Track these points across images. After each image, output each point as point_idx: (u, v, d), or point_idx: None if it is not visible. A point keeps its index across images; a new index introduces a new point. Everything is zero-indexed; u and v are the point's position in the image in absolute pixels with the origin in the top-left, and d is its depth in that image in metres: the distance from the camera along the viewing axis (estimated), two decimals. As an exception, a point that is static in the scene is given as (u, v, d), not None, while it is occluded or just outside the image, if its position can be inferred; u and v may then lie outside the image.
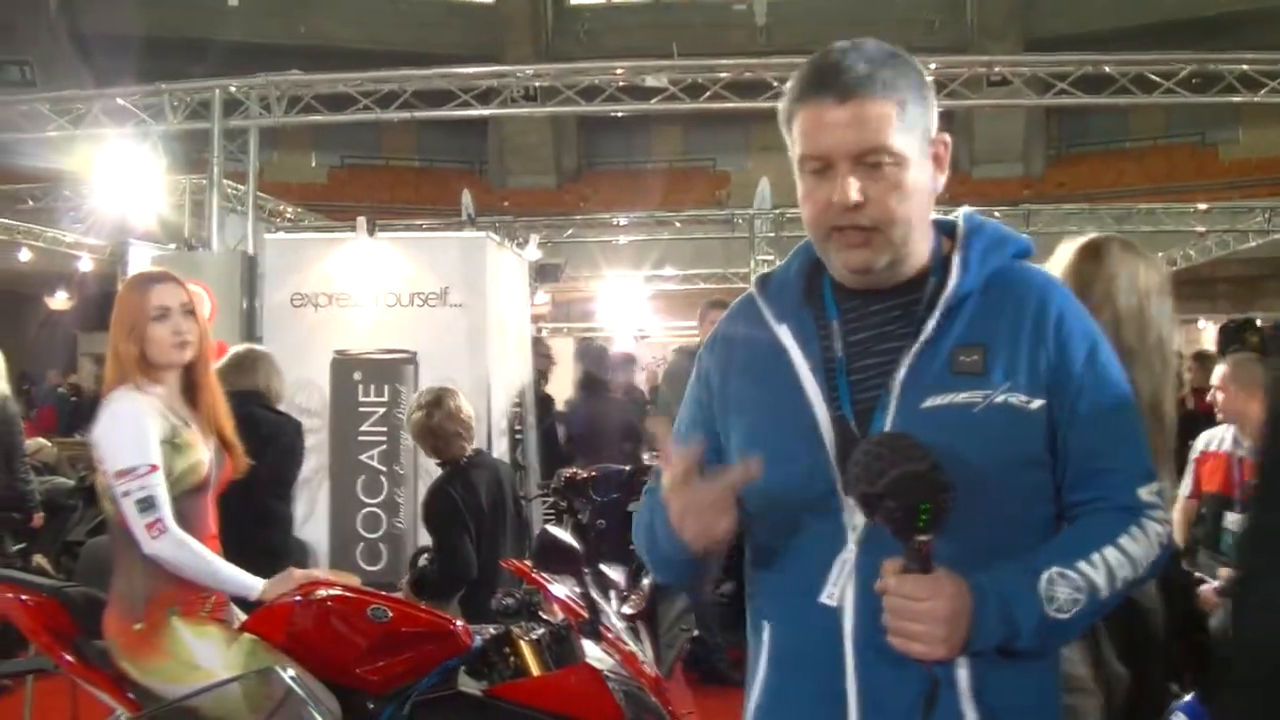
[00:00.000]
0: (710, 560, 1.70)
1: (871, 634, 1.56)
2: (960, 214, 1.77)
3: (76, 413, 14.58)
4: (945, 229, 1.75)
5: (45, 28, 22.12)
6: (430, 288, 7.06)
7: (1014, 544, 1.60)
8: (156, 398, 3.11)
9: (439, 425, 4.62)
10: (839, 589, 1.62)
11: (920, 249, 1.70)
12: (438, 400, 4.66)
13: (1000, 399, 1.61)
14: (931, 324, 1.65)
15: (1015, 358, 1.64)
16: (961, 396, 1.61)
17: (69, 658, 3.15)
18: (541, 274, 8.46)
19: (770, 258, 13.23)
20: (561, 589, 3.55)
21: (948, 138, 1.72)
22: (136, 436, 3.00)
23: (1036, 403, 1.63)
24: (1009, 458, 1.62)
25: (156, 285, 3.18)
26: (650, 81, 10.00)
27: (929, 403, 1.62)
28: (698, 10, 25.85)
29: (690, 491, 1.62)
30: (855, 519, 1.61)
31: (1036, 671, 1.64)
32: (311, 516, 6.70)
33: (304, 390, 6.83)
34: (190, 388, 3.22)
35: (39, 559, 6.44)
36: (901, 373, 1.64)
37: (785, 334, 1.73)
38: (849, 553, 1.62)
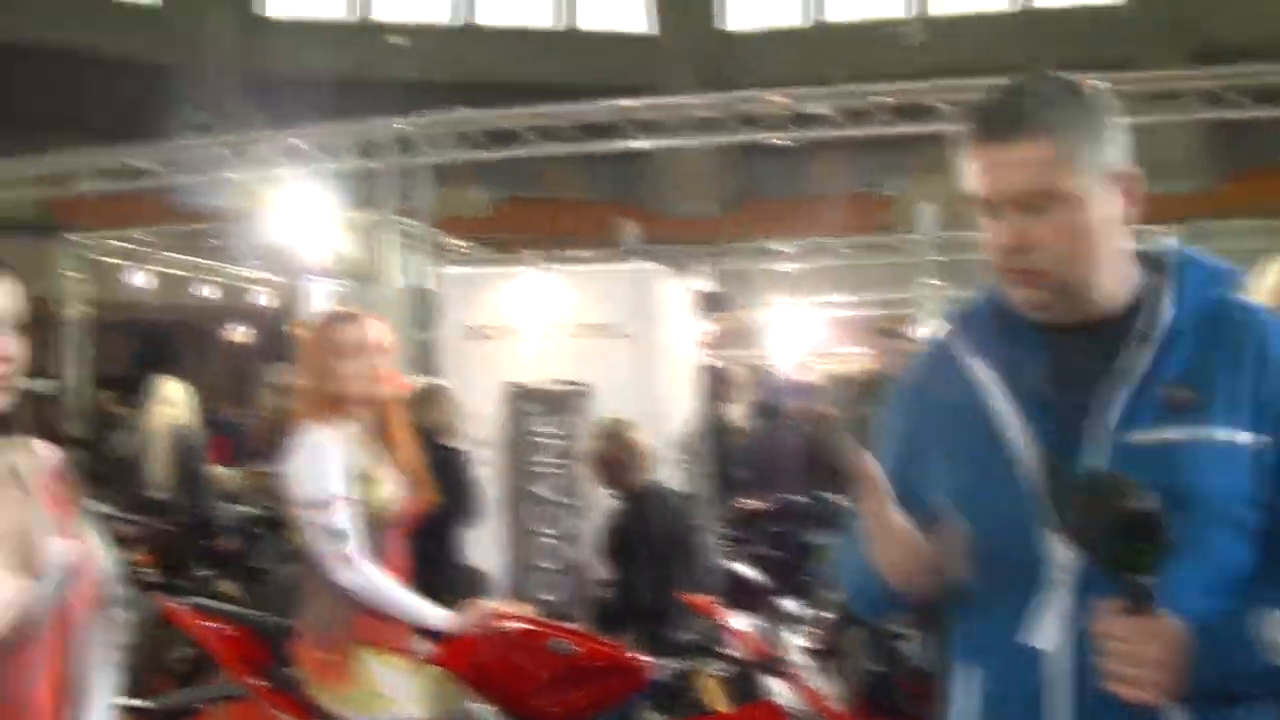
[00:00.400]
0: (911, 594, 1.69)
1: (1087, 677, 1.53)
2: (1167, 245, 1.74)
3: (254, 443, 15.14)
4: (1152, 260, 1.71)
5: (218, 71, 23.28)
6: (600, 319, 7.09)
7: (1229, 585, 1.57)
8: (348, 433, 3.17)
9: (616, 456, 4.72)
10: (1051, 632, 1.59)
11: (1112, 284, 1.67)
12: (615, 432, 4.77)
13: (1217, 436, 1.58)
14: (1144, 358, 1.62)
15: (1235, 394, 1.60)
16: (1175, 433, 1.58)
17: (261, 684, 3.26)
18: (711, 302, 8.47)
19: (936, 282, 12.98)
20: (742, 623, 3.55)
21: (1137, 170, 1.67)
22: (328, 470, 3.08)
23: (1256, 440, 1.59)
24: (1224, 496, 1.58)
25: (348, 324, 3.25)
26: (811, 109, 10.01)
27: (1139, 438, 1.59)
28: (857, 32, 25.70)
29: (890, 526, 1.62)
30: (1064, 559, 1.58)
31: (1258, 717, 1.58)
32: (488, 548, 6.67)
33: (476, 421, 6.77)
34: (381, 423, 3.26)
35: (226, 585, 6.69)
36: (1112, 408, 1.61)
37: (981, 369, 1.71)
38: (1060, 595, 1.60)
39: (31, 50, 20.39)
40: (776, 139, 10.40)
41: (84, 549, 1.84)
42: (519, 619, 3.30)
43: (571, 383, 6.83)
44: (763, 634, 3.46)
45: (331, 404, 3.16)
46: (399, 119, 10.01)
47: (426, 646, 3.23)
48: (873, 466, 1.65)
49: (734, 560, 5.92)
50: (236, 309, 19.16)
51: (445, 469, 4.28)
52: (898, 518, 1.64)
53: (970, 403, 1.70)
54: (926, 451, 1.75)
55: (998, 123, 1.62)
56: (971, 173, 1.65)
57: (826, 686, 3.36)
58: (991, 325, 1.73)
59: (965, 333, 1.76)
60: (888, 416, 1.85)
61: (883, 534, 1.64)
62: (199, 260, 15.83)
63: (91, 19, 21.52)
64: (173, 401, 7.49)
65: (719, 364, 9.57)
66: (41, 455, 1.89)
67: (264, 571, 5.88)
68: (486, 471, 6.46)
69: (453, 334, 7.38)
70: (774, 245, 16.12)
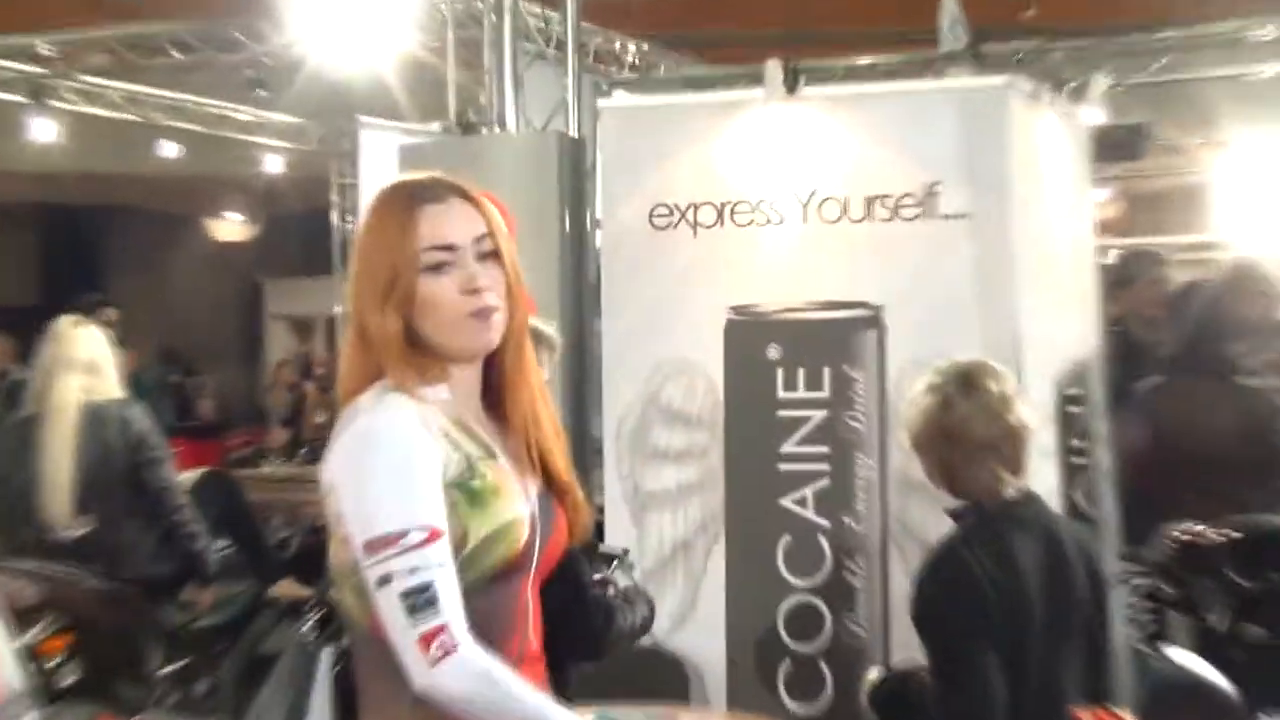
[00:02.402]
0: None
1: None
2: None
3: (258, 435, 15.01)
4: None
5: None
6: (903, 185, 6.73)
7: None
8: (436, 409, 3.07)
9: (964, 430, 4.65)
10: None
11: None
12: (966, 382, 4.68)
13: None
14: None
15: None
16: None
17: None
18: (1112, 147, 8.05)
19: None
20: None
21: None
22: (402, 479, 2.98)
23: None
24: None
25: (430, 206, 3.13)
26: None
27: None
28: None
29: None
30: None
31: None
32: (693, 607, 6.76)
33: (674, 380, 6.83)
34: (496, 389, 3.26)
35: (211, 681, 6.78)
36: None
37: None
38: None
39: None
40: None
41: None
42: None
43: (848, 305, 6.69)
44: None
45: (404, 355, 3.12)
46: None
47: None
48: None
49: (1174, 644, 5.94)
50: (227, 183, 19.52)
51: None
52: None
53: None
54: None
55: None
56: None
57: None
58: None
59: None
60: None
61: None
62: (160, 94, 15.81)
63: None
64: (94, 359, 7.41)
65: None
66: None
67: (272, 660, 5.91)
68: (693, 471, 6.58)
69: (629, 218, 7.22)
70: (1248, 24, 15.19)
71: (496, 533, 3.11)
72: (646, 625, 5.37)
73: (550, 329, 5.58)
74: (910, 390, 5.02)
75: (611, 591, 5.08)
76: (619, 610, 5.12)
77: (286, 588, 8.35)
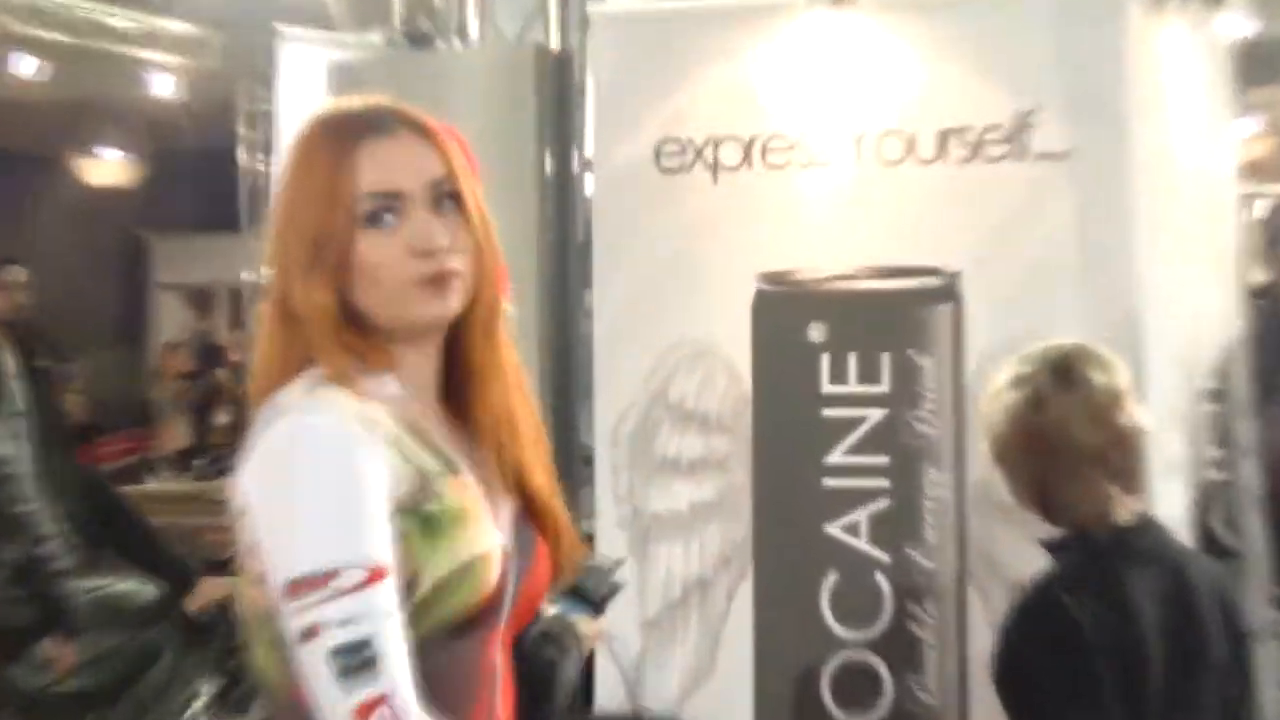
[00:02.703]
0: None
1: None
2: None
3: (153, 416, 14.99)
4: None
5: None
6: (987, 116, 6.78)
7: None
8: (381, 407, 3.06)
9: (1061, 435, 4.66)
10: None
11: None
12: (1063, 371, 4.69)
13: None
14: None
15: None
16: None
17: None
18: (1260, 66, 8.09)
19: None
20: None
21: None
22: (335, 501, 2.94)
23: None
24: None
25: (372, 140, 3.13)
26: None
27: None
28: None
29: None
30: None
31: None
32: (711, 667, 6.79)
33: (687, 369, 6.88)
34: (459, 381, 3.27)
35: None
36: None
37: None
38: None
39: None
40: None
41: None
42: None
43: (917, 271, 6.75)
44: None
45: (336, 335, 3.10)
46: None
47: None
48: None
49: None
50: (102, 111, 19.58)
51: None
52: None
53: None
54: None
55: None
56: None
57: None
58: None
59: None
60: None
61: None
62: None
63: None
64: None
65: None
66: None
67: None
68: (710, 489, 6.65)
69: (630, 158, 7.24)
70: None
71: (458, 572, 3.06)
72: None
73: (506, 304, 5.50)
74: (993, 383, 4.99)
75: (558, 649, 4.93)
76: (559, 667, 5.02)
77: (210, 589, 8.32)
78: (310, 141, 3.20)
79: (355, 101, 3.29)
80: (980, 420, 5.08)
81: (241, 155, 16.04)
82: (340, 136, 3.15)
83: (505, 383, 3.29)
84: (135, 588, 8.41)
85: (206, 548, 9.23)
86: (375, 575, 2.90)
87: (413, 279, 3.07)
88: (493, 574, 3.09)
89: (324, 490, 2.95)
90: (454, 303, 3.13)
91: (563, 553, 3.39)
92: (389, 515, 2.98)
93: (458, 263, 3.11)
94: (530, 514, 3.31)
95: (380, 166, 3.10)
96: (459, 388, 3.27)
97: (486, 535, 3.11)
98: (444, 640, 3.05)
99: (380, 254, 3.06)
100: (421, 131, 3.17)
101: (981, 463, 5.51)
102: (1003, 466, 4.92)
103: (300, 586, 2.89)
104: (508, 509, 3.24)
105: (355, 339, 3.12)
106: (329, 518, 2.94)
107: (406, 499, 3.01)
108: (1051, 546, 4.81)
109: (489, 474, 3.23)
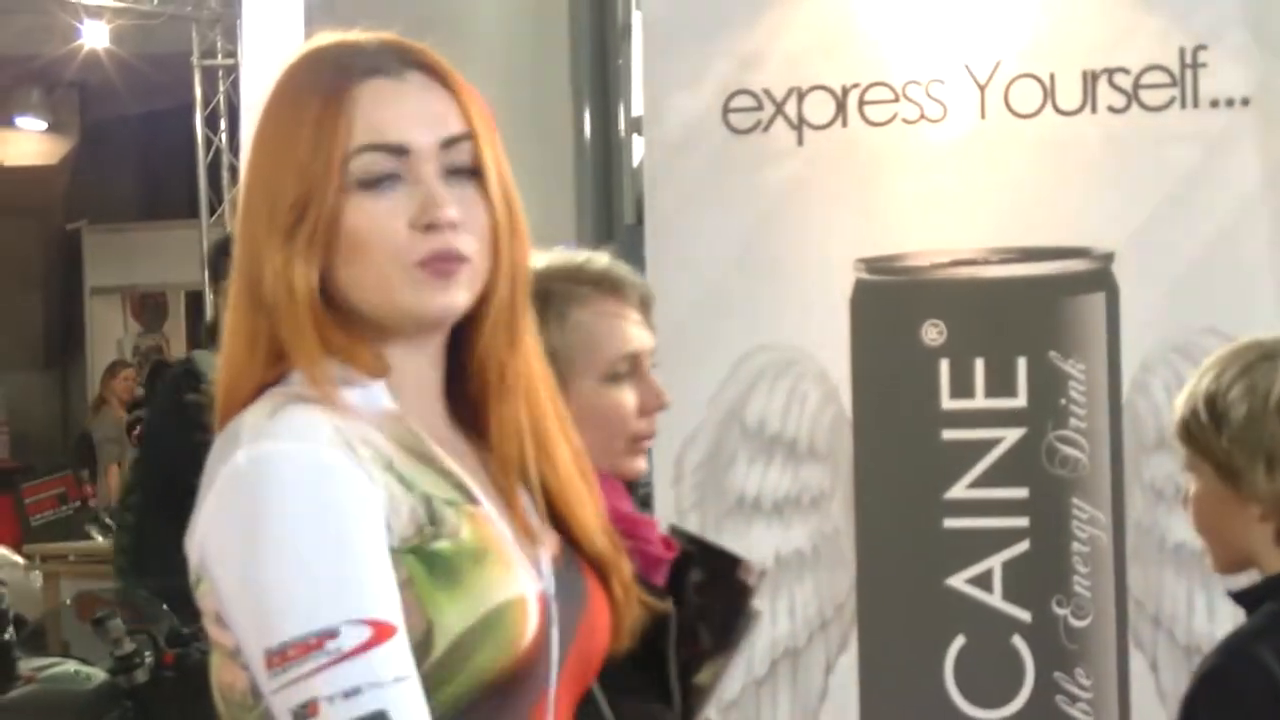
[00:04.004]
0: None
1: None
2: None
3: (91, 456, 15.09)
4: None
5: None
6: (1147, 55, 6.93)
7: None
8: (370, 424, 3.03)
9: None
10: None
11: None
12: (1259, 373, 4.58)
13: None
14: None
15: None
16: None
17: None
18: None
19: None
20: None
21: None
22: (320, 545, 2.92)
23: None
24: None
25: (372, 81, 3.08)
26: None
27: None
28: None
29: None
30: None
31: None
32: None
33: (769, 381, 7.02)
34: (473, 388, 3.25)
35: None
36: None
37: None
38: None
39: None
40: None
41: None
42: None
43: (1062, 252, 6.93)
44: None
45: (331, 327, 3.08)
46: None
47: None
48: None
49: None
50: (21, 69, 19.76)
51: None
52: None
53: None
54: None
55: None
56: None
57: None
58: None
59: None
60: None
61: None
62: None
63: None
64: None
65: None
66: None
67: None
68: (800, 529, 6.80)
69: (683, 118, 7.36)
70: None
71: (482, 624, 2.97)
72: None
73: None
74: (1179, 391, 4.76)
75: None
76: None
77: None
78: (294, 80, 3.10)
79: (356, 35, 3.15)
80: (1152, 437, 5.06)
81: (197, 122, 16.08)
82: (333, 75, 3.04)
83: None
84: (82, 670, 8.52)
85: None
86: (382, 633, 2.87)
87: (410, 257, 2.99)
88: (526, 626, 3.00)
89: (304, 532, 2.87)
90: (460, 294, 3.03)
91: (629, 604, 3.28)
92: (389, 558, 2.92)
93: (468, 246, 3.00)
94: (580, 555, 3.23)
95: (381, 112, 3.02)
96: (476, 404, 3.20)
97: (515, 578, 3.02)
98: (474, 713, 2.99)
99: (372, 223, 2.98)
100: (438, 76, 3.06)
101: (1149, 494, 5.50)
102: (1199, 516, 4.82)
103: (287, 654, 2.82)
104: (547, 548, 3.16)
105: (339, 335, 3.03)
106: (314, 566, 2.88)
107: (409, 535, 2.97)
108: (1244, 597, 4.69)
109: (519, 506, 3.15)
